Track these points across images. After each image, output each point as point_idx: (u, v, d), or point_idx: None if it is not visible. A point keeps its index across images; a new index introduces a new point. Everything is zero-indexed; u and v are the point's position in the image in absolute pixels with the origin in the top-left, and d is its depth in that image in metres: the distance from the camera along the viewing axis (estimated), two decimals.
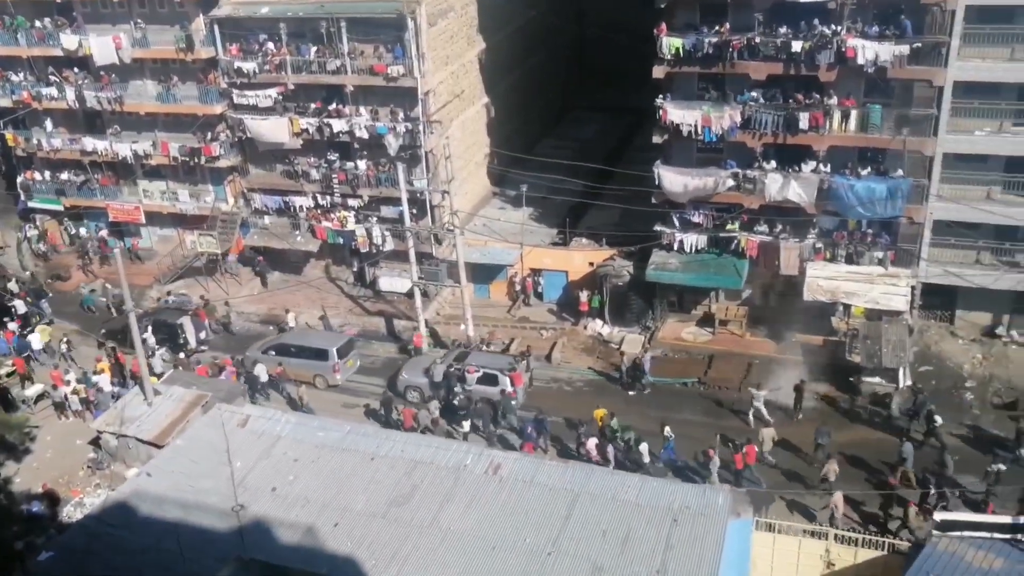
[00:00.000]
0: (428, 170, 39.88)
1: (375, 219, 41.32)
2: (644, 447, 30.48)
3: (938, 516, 24.96)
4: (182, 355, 38.06)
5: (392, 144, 39.10)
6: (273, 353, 36.64)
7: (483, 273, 41.58)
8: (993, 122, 33.59)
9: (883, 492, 29.03)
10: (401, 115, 39.46)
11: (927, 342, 36.40)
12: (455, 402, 33.66)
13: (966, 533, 24.18)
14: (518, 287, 41.41)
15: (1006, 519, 24.57)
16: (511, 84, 46.91)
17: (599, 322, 39.38)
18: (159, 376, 34.43)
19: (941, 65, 32.65)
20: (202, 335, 39.64)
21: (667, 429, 30.82)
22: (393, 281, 41.86)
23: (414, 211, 39.31)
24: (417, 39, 37.90)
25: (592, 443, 30.93)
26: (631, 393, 35.39)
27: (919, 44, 32.26)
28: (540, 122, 50.91)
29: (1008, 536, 24.05)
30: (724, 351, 37.18)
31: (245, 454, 26.15)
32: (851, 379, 34.26)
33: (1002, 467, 28.62)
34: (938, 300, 36.91)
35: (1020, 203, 34.11)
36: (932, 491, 27.95)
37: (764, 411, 32.63)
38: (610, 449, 30.65)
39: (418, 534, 23.49)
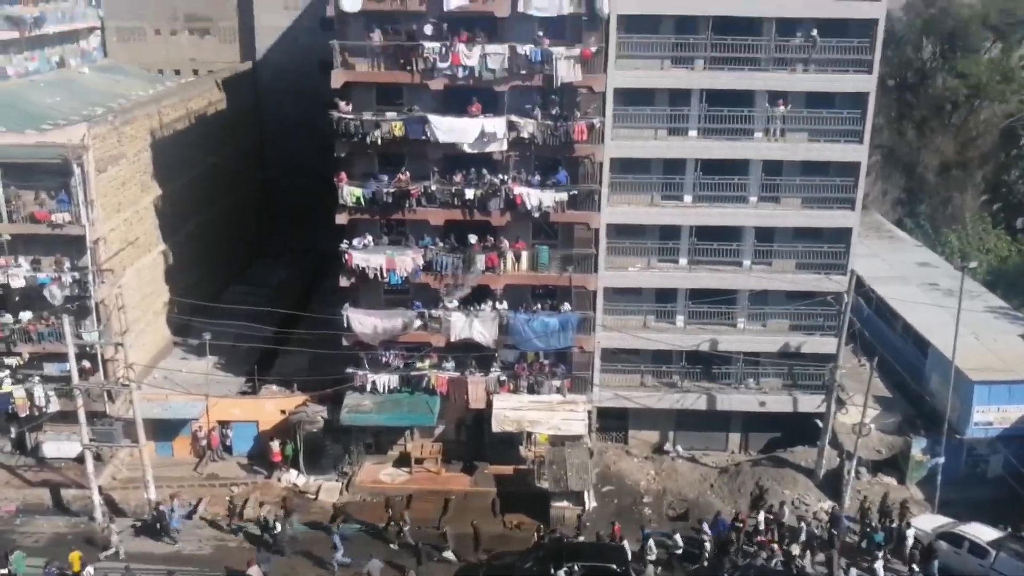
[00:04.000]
0: (99, 322, 37.16)
1: (37, 378, 37.46)
2: None
3: None
4: None
5: (56, 295, 36.12)
6: None
7: (165, 429, 38.95)
8: (643, 259, 37.81)
9: None
10: (67, 264, 36.72)
11: (607, 462, 39.00)
12: None
13: None
14: (203, 441, 39.16)
15: None
16: (192, 230, 45.58)
17: (294, 472, 38.09)
18: None
19: (596, 210, 36.41)
20: None
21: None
22: (60, 446, 37.94)
23: (85, 364, 36.28)
24: (84, 186, 35.85)
25: None
26: None
27: (575, 192, 35.83)
28: (227, 268, 49.67)
29: None
30: (422, 490, 37.32)
31: None
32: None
33: None
34: (613, 422, 39.95)
35: (670, 330, 38.31)
36: None
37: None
38: None
39: None
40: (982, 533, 32.15)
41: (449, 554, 33.35)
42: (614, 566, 30.68)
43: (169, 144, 43.49)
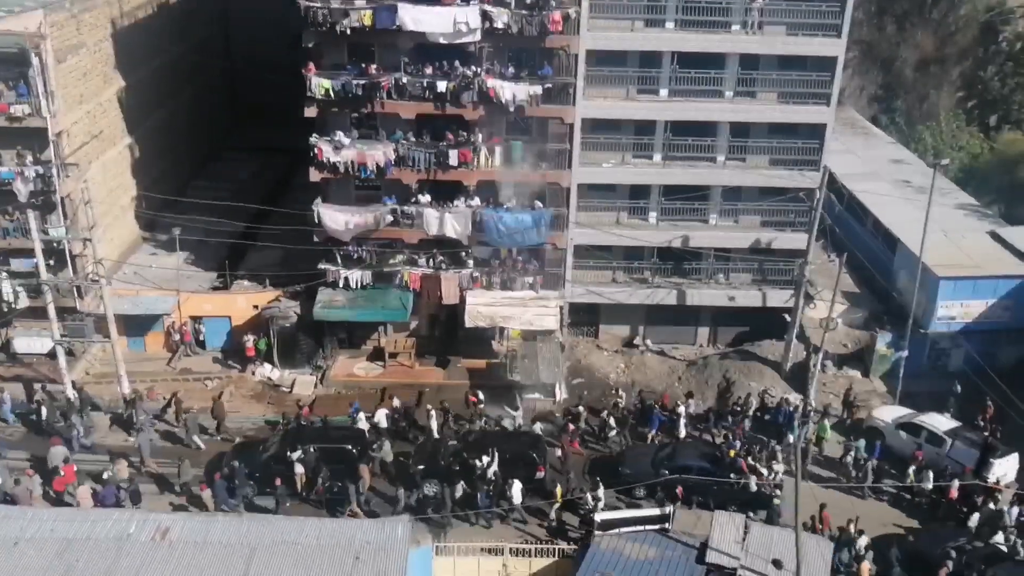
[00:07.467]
0: (66, 217, 36.59)
1: (4, 274, 37.07)
2: None
3: (598, 517, 27.19)
4: None
5: (21, 190, 35.42)
6: None
7: (137, 325, 38.88)
8: (617, 155, 37.52)
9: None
10: (30, 158, 35.89)
11: (577, 356, 39.57)
12: None
13: (624, 529, 26.65)
14: (177, 337, 39.20)
15: (654, 511, 27.38)
16: (156, 123, 44.54)
17: (268, 366, 38.34)
18: None
19: (570, 104, 35.86)
20: None
21: None
22: (31, 342, 37.81)
23: (51, 262, 35.84)
24: (44, 76, 34.76)
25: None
26: None
27: (550, 85, 35.20)
28: (191, 163, 48.80)
29: (657, 527, 26.86)
30: (396, 383, 37.74)
31: None
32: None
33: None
34: (584, 317, 40.32)
35: (643, 226, 38.37)
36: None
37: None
38: None
39: None
40: (939, 423, 33.20)
41: (196, 439, 33.80)
42: (349, 446, 31.76)
43: (130, 34, 42.05)
